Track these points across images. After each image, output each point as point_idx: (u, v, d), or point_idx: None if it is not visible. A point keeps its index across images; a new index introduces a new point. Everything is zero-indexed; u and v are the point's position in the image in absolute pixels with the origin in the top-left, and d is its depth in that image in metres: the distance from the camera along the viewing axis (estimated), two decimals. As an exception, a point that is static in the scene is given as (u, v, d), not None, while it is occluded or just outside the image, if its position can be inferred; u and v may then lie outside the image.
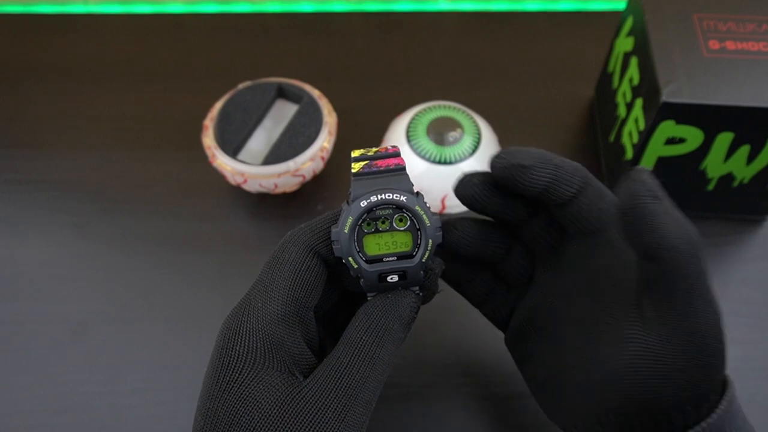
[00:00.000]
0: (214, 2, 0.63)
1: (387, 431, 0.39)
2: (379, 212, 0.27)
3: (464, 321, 0.42)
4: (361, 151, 0.28)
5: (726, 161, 0.42)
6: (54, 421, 0.40)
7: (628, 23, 0.45)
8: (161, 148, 0.52)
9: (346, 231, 0.27)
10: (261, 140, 0.48)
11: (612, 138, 0.47)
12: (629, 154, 0.43)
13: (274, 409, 0.25)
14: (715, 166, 0.42)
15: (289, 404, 0.25)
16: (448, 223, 0.31)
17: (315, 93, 0.48)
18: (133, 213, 0.49)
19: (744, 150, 0.41)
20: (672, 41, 0.41)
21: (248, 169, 0.45)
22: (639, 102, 0.42)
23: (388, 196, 0.27)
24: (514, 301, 0.34)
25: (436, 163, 0.45)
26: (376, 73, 0.57)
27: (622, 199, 0.25)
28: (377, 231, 0.27)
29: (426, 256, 0.27)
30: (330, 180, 0.50)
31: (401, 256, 0.27)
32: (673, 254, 0.25)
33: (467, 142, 0.46)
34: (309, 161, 0.46)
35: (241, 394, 0.25)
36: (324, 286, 0.29)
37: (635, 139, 0.42)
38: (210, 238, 0.47)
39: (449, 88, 0.55)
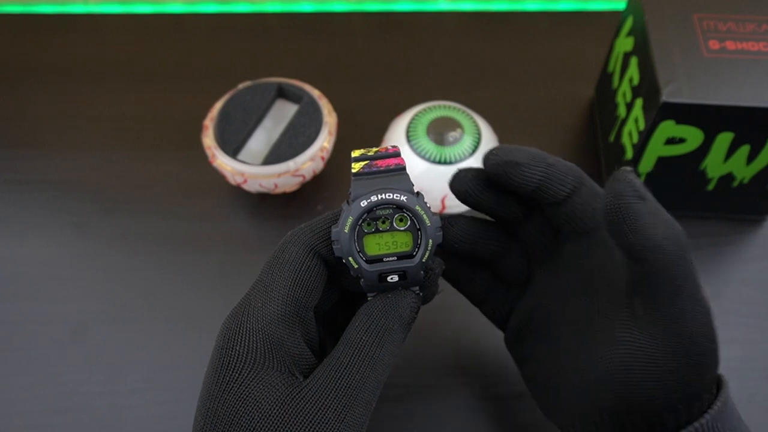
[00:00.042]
0: (214, 2, 0.63)
1: (387, 431, 0.39)
2: (380, 212, 0.27)
3: (464, 321, 0.42)
4: (362, 151, 0.28)
5: (726, 161, 0.42)
6: (54, 421, 0.40)
7: (628, 23, 0.45)
8: (161, 148, 0.52)
9: (346, 231, 0.27)
10: (261, 140, 0.48)
11: (612, 138, 0.47)
12: (629, 154, 0.43)
13: (274, 409, 0.25)
14: (715, 166, 0.42)
15: (289, 404, 0.25)
16: (444, 219, 0.31)
17: (315, 93, 0.48)
18: (133, 213, 0.49)
19: (744, 150, 0.41)
20: (672, 41, 0.41)
21: (248, 169, 0.45)
22: (639, 102, 0.42)
23: (389, 195, 0.27)
24: (513, 300, 0.34)
25: (436, 163, 0.45)
26: (376, 73, 0.57)
27: (607, 200, 0.25)
28: (377, 231, 0.27)
29: (426, 256, 0.27)
30: (330, 180, 0.50)
31: (401, 256, 0.27)
32: (659, 255, 0.25)
33: (467, 142, 0.46)
34: (309, 161, 0.46)
35: (241, 394, 0.25)
36: (324, 286, 0.29)
37: (635, 139, 0.42)
38: (210, 238, 0.47)
39: (449, 88, 0.55)
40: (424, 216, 0.27)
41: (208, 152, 0.46)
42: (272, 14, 0.62)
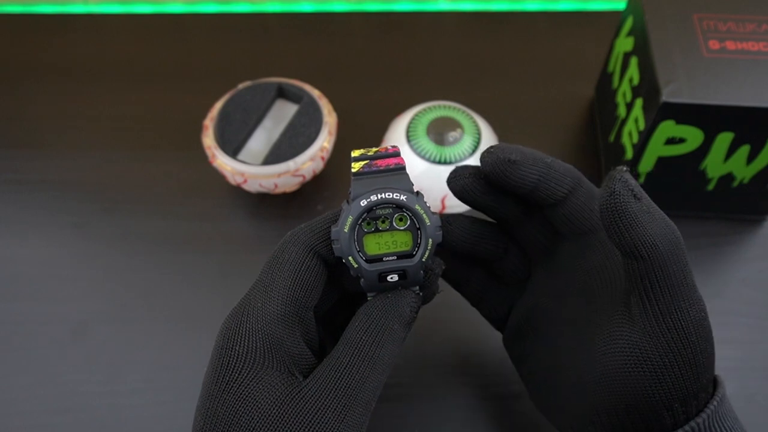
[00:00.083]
0: (214, 2, 0.63)
1: (387, 431, 0.39)
2: (379, 211, 0.27)
3: (464, 321, 0.42)
4: (361, 151, 0.28)
5: (726, 161, 0.42)
6: (54, 421, 0.40)
7: (628, 23, 0.45)
8: (161, 148, 0.52)
9: (346, 230, 0.27)
10: (261, 140, 0.48)
11: (612, 138, 0.47)
12: (629, 154, 0.43)
13: (274, 409, 0.25)
14: (715, 166, 0.42)
15: (288, 404, 0.25)
16: (444, 218, 0.31)
17: (315, 93, 0.48)
18: (133, 213, 0.49)
19: (744, 150, 0.41)
20: (672, 41, 0.41)
21: (248, 169, 0.45)
22: (639, 102, 0.42)
23: (388, 195, 0.27)
24: (511, 300, 0.34)
25: (436, 163, 0.45)
26: (376, 73, 0.57)
27: (602, 199, 0.26)
28: (377, 230, 0.27)
29: (426, 255, 0.27)
30: (330, 180, 0.50)
31: (401, 256, 0.27)
32: (653, 252, 0.25)
33: (467, 142, 0.46)
34: (309, 161, 0.46)
35: (241, 394, 0.25)
36: (324, 286, 0.29)
37: (635, 139, 0.42)
38: (210, 238, 0.47)
39: (449, 88, 0.55)
40: (424, 215, 0.27)
41: (208, 152, 0.46)
42: (272, 14, 0.62)
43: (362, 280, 0.27)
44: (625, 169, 0.26)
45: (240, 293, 0.28)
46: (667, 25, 0.42)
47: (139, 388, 0.41)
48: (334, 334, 0.31)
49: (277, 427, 0.25)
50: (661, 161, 0.42)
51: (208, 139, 0.46)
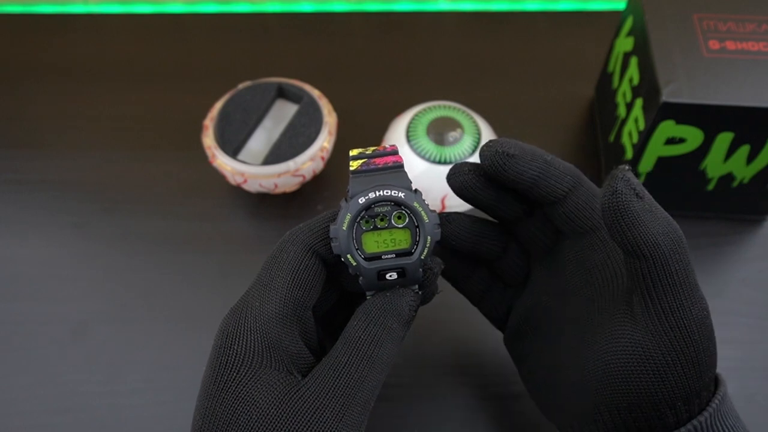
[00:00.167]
0: (214, 2, 0.63)
1: (386, 431, 0.39)
2: (378, 209, 0.27)
3: (464, 321, 0.42)
4: (359, 149, 0.28)
5: (726, 161, 0.42)
6: (54, 421, 0.40)
7: (628, 23, 0.45)
8: (161, 148, 0.52)
9: (344, 228, 0.27)
10: (261, 140, 0.48)
11: (612, 138, 0.47)
12: (629, 154, 0.43)
13: (272, 408, 0.25)
14: (715, 166, 0.42)
15: (287, 403, 0.25)
16: (443, 216, 0.31)
17: (315, 93, 0.48)
18: (133, 213, 0.49)
19: (744, 150, 0.41)
20: (672, 41, 0.41)
21: (248, 169, 0.45)
22: (639, 102, 0.42)
23: (386, 192, 0.27)
24: (511, 299, 0.34)
25: (436, 163, 0.45)
26: (376, 73, 0.57)
27: (604, 197, 0.26)
28: (376, 228, 0.27)
29: (425, 253, 0.27)
30: (330, 180, 0.50)
31: (400, 254, 0.27)
32: (655, 251, 0.25)
33: (467, 142, 0.46)
34: (309, 161, 0.46)
35: (239, 393, 0.25)
36: (323, 286, 0.29)
37: (635, 139, 0.42)
38: (210, 238, 0.47)
39: (449, 88, 0.55)
40: (422, 213, 0.27)
41: (208, 152, 0.46)
42: (272, 14, 0.62)
43: (361, 278, 0.27)
44: (627, 168, 0.26)
45: (240, 293, 0.28)
46: (667, 25, 0.42)
47: (139, 388, 0.41)
48: (334, 334, 0.31)
49: (276, 426, 0.25)
50: (661, 161, 0.42)
51: (208, 139, 0.46)
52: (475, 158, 0.46)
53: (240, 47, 0.59)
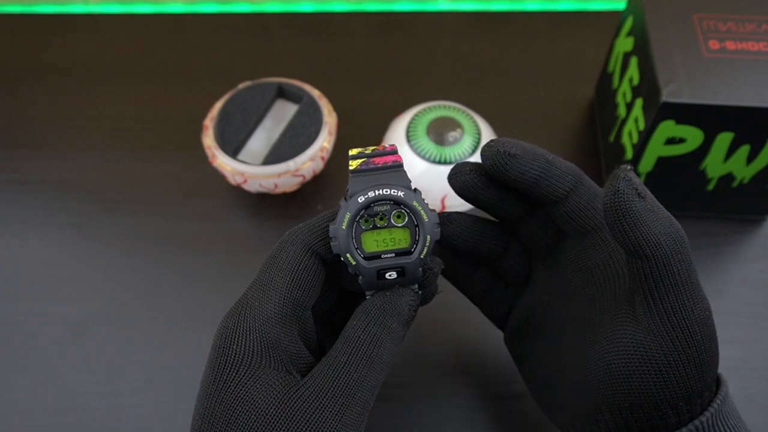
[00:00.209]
0: (214, 2, 0.63)
1: (386, 431, 0.39)
2: (377, 208, 0.27)
3: (464, 321, 0.42)
4: (359, 149, 0.28)
5: (726, 161, 0.42)
6: (54, 421, 0.40)
7: (628, 23, 0.45)
8: (161, 148, 0.52)
9: (343, 227, 0.27)
10: (261, 140, 0.48)
11: (612, 138, 0.47)
12: (629, 154, 0.43)
13: (271, 408, 0.25)
14: (715, 166, 0.42)
15: (286, 403, 0.25)
16: (444, 216, 0.31)
17: (315, 93, 0.48)
18: (133, 213, 0.49)
19: (744, 150, 0.41)
20: (672, 41, 0.41)
21: (248, 169, 0.45)
22: (639, 102, 0.42)
23: (386, 191, 0.27)
24: (512, 299, 0.34)
25: (436, 163, 0.45)
26: (376, 73, 0.57)
27: (606, 197, 0.26)
28: (375, 228, 0.27)
29: (424, 252, 0.27)
30: (330, 180, 0.50)
31: (399, 253, 0.27)
32: (657, 251, 0.25)
33: (467, 142, 0.46)
34: (309, 161, 0.46)
35: (238, 393, 0.25)
36: (322, 286, 0.29)
37: (635, 139, 0.42)
38: (210, 238, 0.47)
39: (449, 88, 0.55)
40: (422, 212, 0.27)
41: (208, 152, 0.46)
42: (272, 14, 0.62)
43: (360, 277, 0.27)
44: (629, 167, 0.26)
45: (240, 293, 0.28)
46: (667, 25, 0.42)
47: (139, 388, 0.41)
48: (333, 334, 0.31)
49: (275, 425, 0.25)
50: (661, 161, 0.42)
51: (208, 139, 0.46)
52: (476, 158, 0.46)
53: (240, 47, 0.59)
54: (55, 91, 0.56)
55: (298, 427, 0.25)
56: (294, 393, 0.26)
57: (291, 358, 0.27)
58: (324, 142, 0.46)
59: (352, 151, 0.28)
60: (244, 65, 0.57)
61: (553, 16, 0.61)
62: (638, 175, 0.44)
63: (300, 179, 0.46)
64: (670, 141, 0.41)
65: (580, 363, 0.28)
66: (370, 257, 0.27)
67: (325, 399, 0.25)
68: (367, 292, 0.28)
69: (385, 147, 0.28)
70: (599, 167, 0.50)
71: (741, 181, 0.43)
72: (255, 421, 0.25)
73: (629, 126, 0.43)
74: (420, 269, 0.28)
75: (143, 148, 0.52)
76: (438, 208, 0.46)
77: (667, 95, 0.38)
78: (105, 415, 0.40)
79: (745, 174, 0.43)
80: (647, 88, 0.41)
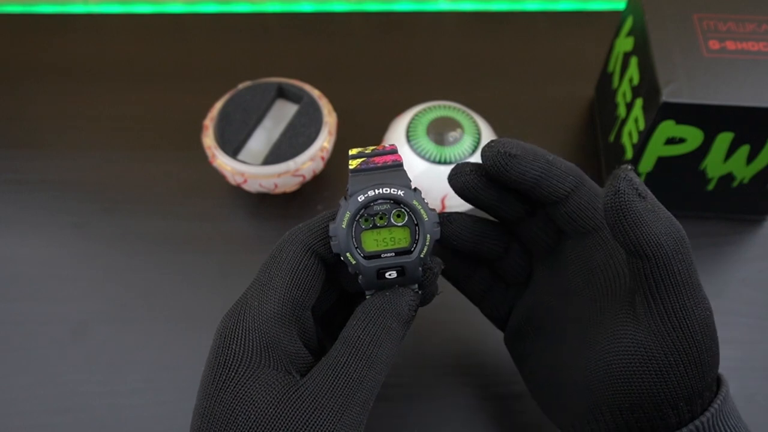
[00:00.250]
0: (214, 2, 0.63)
1: (386, 431, 0.39)
2: (377, 207, 0.27)
3: (464, 322, 0.42)
4: (359, 149, 0.28)
5: (726, 161, 0.42)
6: (54, 421, 0.40)
7: (628, 23, 0.45)
8: (161, 148, 0.52)
9: (343, 226, 0.27)
10: (261, 140, 0.48)
11: (612, 138, 0.47)
12: (629, 154, 0.43)
13: (271, 407, 0.25)
14: (715, 166, 0.42)
15: (285, 403, 0.25)
16: (444, 216, 0.31)
17: (315, 93, 0.48)
18: (133, 213, 0.49)
19: (744, 150, 0.41)
20: (672, 41, 0.41)
21: (248, 169, 0.45)
22: (639, 102, 0.42)
23: (386, 190, 0.27)
24: (512, 299, 0.34)
25: (436, 163, 0.45)
26: (376, 73, 0.57)
27: (606, 197, 0.26)
28: (375, 227, 0.27)
29: (424, 251, 0.27)
30: (330, 180, 0.50)
31: (399, 252, 0.27)
32: (658, 252, 0.25)
33: (467, 142, 0.46)
34: (309, 161, 0.46)
35: (237, 392, 0.25)
36: (322, 286, 0.29)
37: (635, 139, 0.42)
38: (210, 238, 0.47)
39: (449, 88, 0.55)
40: (422, 211, 0.27)
41: (208, 152, 0.46)
42: (272, 14, 0.62)
43: (360, 277, 0.27)
44: (629, 167, 0.26)
45: (240, 293, 0.28)
46: (667, 25, 0.42)
47: (139, 388, 0.41)
48: (333, 334, 0.31)
49: (274, 425, 0.25)
50: (661, 161, 0.42)
51: (208, 139, 0.46)
52: (476, 158, 0.46)
53: (240, 47, 0.59)
54: (55, 91, 0.56)
55: (297, 427, 0.25)
56: (293, 393, 0.26)
57: (290, 358, 0.27)
58: (324, 142, 0.46)
59: (352, 151, 0.28)
60: (244, 65, 0.57)
61: (553, 16, 0.61)
62: (638, 175, 0.43)
63: (300, 179, 0.46)
64: (670, 141, 0.41)
65: (580, 363, 0.28)
66: (369, 256, 0.27)
67: (324, 399, 0.25)
68: (367, 292, 0.28)
69: (384, 147, 0.28)
70: (599, 167, 0.50)
71: (741, 181, 0.43)
72: (254, 421, 0.25)
73: (629, 126, 0.43)
74: (420, 268, 0.28)
75: (143, 148, 0.52)
76: (438, 209, 0.46)
77: (667, 95, 0.38)
78: (105, 415, 0.40)
79: (745, 174, 0.43)
80: (647, 88, 0.41)
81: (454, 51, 0.59)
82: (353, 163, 0.28)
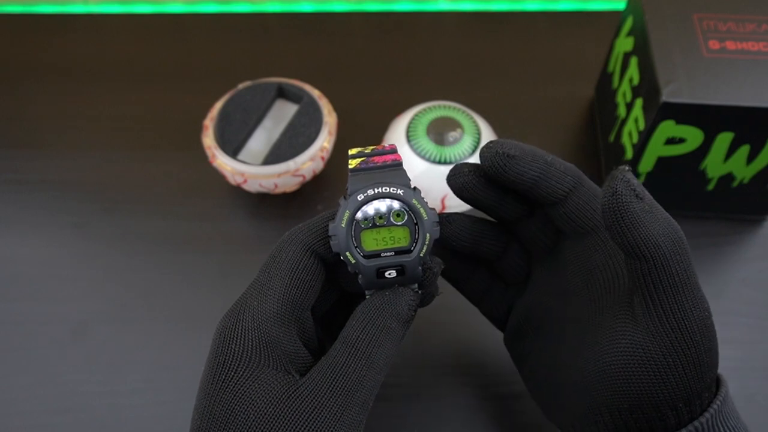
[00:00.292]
0: (214, 2, 0.63)
1: (386, 431, 0.39)
2: (376, 206, 0.27)
3: (464, 322, 0.42)
4: (359, 148, 0.28)
5: (726, 161, 0.42)
6: (54, 421, 0.40)
7: (628, 23, 0.45)
8: (161, 148, 0.52)
9: (343, 225, 0.27)
10: (261, 140, 0.48)
11: (612, 138, 0.47)
12: (629, 154, 0.43)
13: (270, 407, 0.25)
14: (715, 166, 0.42)
15: (284, 402, 0.25)
16: (443, 217, 0.31)
17: (315, 93, 0.48)
18: (133, 213, 0.49)
19: (744, 150, 0.41)
20: (672, 41, 0.41)
21: (248, 169, 0.45)
22: (639, 102, 0.42)
23: (385, 189, 0.27)
24: (511, 299, 0.34)
25: (436, 163, 0.45)
26: (376, 73, 0.57)
27: (604, 198, 0.26)
28: (374, 226, 0.27)
29: (424, 250, 0.27)
30: (330, 180, 0.50)
31: (399, 251, 0.27)
32: (656, 252, 0.25)
33: (467, 142, 0.46)
34: (309, 161, 0.46)
35: (237, 392, 0.25)
36: (322, 286, 0.29)
37: (635, 139, 0.42)
38: (210, 238, 0.47)
39: (449, 88, 0.55)
40: (421, 210, 0.27)
41: (208, 152, 0.46)
42: (272, 14, 0.62)
43: (360, 276, 0.27)
44: (627, 168, 0.26)
45: (240, 293, 0.28)
46: (667, 25, 0.42)
47: (139, 388, 0.41)
48: (334, 334, 0.31)
49: (274, 425, 0.25)
50: (661, 161, 0.42)
51: (208, 139, 0.46)
52: (475, 158, 0.46)
53: (240, 47, 0.59)
54: (55, 91, 0.56)
55: (296, 427, 0.25)
56: (293, 392, 0.26)
57: (290, 358, 0.27)
58: (324, 142, 0.46)
59: (352, 151, 0.28)
60: (244, 65, 0.57)
61: (553, 16, 0.61)
62: (638, 175, 0.44)
63: (300, 179, 0.46)
64: (670, 141, 0.41)
65: (579, 363, 0.28)
66: (369, 256, 0.27)
67: (323, 399, 0.25)
68: (366, 292, 0.28)
69: (384, 146, 0.28)
70: (599, 167, 0.50)
71: (741, 181, 0.43)
72: (254, 421, 0.25)
73: (629, 126, 0.43)
74: (420, 268, 0.28)
75: (143, 148, 0.52)
76: (438, 209, 0.46)
77: (667, 95, 0.38)
78: (105, 415, 0.40)
79: (745, 174, 0.43)
80: (647, 88, 0.41)
81: (454, 51, 0.59)
82: (353, 163, 0.28)
